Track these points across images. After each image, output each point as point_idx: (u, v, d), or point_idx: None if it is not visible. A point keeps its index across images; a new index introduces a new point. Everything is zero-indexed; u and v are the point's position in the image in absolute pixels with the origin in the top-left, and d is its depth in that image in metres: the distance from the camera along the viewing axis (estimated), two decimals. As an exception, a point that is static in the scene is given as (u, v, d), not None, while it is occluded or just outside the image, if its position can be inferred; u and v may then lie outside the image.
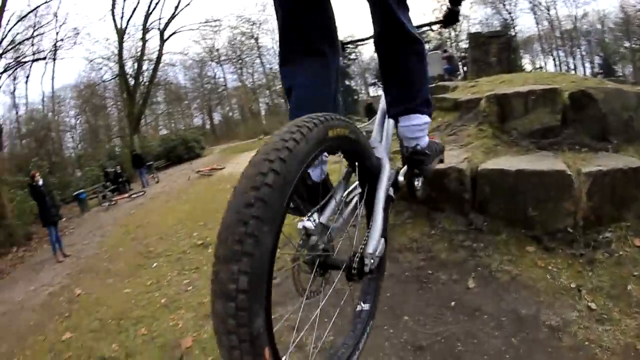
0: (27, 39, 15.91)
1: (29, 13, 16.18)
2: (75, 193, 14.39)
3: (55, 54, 18.90)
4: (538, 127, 2.47)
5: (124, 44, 21.17)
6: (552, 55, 32.91)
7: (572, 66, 31.66)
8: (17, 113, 23.20)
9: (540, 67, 32.45)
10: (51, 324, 4.40)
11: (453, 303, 1.84)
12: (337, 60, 1.24)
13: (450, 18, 1.64)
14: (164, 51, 22.32)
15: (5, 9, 13.72)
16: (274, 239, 0.58)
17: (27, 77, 22.15)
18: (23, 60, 16.13)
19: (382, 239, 0.99)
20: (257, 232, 0.55)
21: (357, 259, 0.87)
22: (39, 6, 16.42)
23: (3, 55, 14.23)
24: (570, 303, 1.71)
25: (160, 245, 6.10)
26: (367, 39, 1.83)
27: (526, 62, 31.74)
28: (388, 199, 1.12)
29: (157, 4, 22.08)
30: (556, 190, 1.96)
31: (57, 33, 19.79)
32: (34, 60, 17.06)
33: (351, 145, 0.90)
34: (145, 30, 21.50)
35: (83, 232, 10.20)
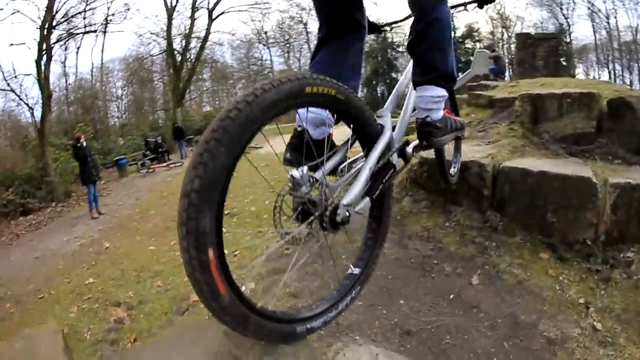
0: (79, 13, 16.86)
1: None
2: (115, 158, 15.22)
3: (105, 28, 19.72)
4: (571, 132, 2.37)
5: (173, 21, 21.69)
6: (607, 67, 30.51)
7: (628, 81, 29.10)
8: (66, 81, 24.50)
9: (594, 79, 30.19)
10: (77, 270, 4.81)
11: (452, 296, 1.81)
12: (357, 45, 1.33)
13: None
14: (212, 30, 22.71)
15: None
16: (229, 159, 0.71)
17: (78, 48, 23.20)
18: (75, 32, 17.13)
19: (367, 199, 1.06)
20: (214, 150, 0.70)
21: (331, 208, 0.92)
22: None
23: (56, 27, 15.22)
24: (575, 319, 1.63)
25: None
26: (403, 19, 1.81)
27: (579, 72, 29.74)
28: (388, 166, 1.19)
29: None
30: (579, 198, 1.86)
31: (108, 8, 20.83)
32: (85, 33, 18.03)
33: (340, 106, 0.98)
34: (194, 9, 21.94)
35: (119, 194, 10.84)
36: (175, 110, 20.38)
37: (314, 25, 35.93)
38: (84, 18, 17.18)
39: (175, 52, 22.18)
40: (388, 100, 1.43)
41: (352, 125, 1.09)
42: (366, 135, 1.12)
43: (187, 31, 22.00)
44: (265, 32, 35.47)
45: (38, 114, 14.80)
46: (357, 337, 1.58)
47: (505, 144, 2.47)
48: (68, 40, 17.16)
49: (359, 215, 1.03)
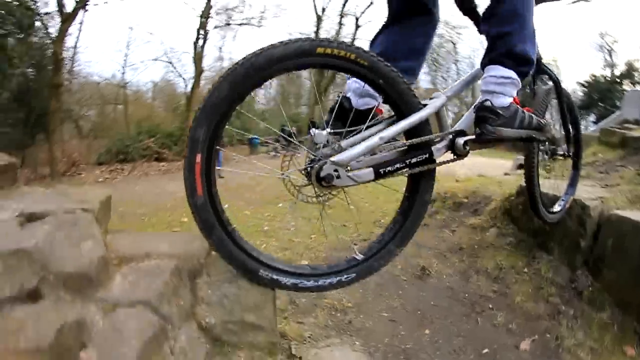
0: (236, 7, 19.47)
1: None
2: (250, 137, 17.15)
3: (259, 22, 21.65)
4: None
5: (322, 24, 22.92)
6: None
7: None
8: (221, 65, 28.59)
9: None
10: (179, 210, 5.96)
11: (486, 350, 1.54)
12: (421, 28, 1.30)
13: None
14: (357, 37, 23.19)
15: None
16: (229, 92, 0.91)
17: (234, 37, 26.71)
18: (230, 23, 19.71)
19: (370, 170, 1.05)
20: (219, 84, 0.91)
21: (320, 163, 0.98)
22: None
23: (212, 17, 17.86)
24: None
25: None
26: None
27: None
28: (420, 151, 1.11)
29: None
30: None
31: (264, 5, 23.10)
32: (239, 24, 20.55)
33: (363, 72, 0.99)
34: (342, 15, 22.68)
35: (243, 166, 12.37)
36: (314, 107, 21.79)
37: (462, 46, 34.14)
38: (241, 12, 19.66)
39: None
40: (455, 83, 1.32)
41: (383, 96, 1.08)
42: (398, 108, 1.08)
43: (335, 35, 23.15)
44: None
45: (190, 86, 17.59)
46: (356, 343, 1.50)
47: (625, 190, 2.08)
48: (223, 28, 19.82)
49: (358, 180, 1.03)
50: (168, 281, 0.88)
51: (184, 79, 19.88)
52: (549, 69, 1.61)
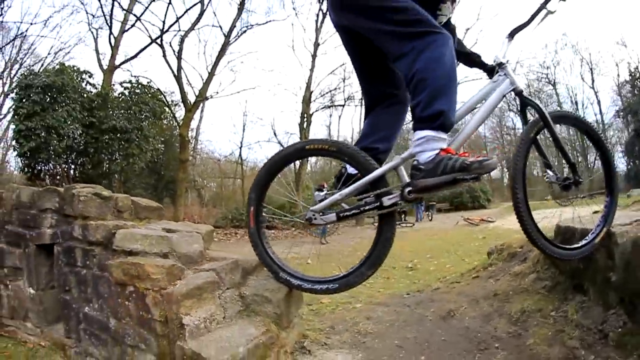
0: (334, 89, 21.46)
1: (337, 68, 21.43)
2: None
3: (360, 101, 22.90)
4: None
5: None
6: None
7: None
8: None
9: None
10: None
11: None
12: (390, 116, 1.82)
13: None
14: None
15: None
16: (264, 178, 1.75)
17: (339, 116, 29.37)
18: (330, 105, 21.83)
19: (333, 215, 1.65)
20: (259, 174, 1.79)
21: (309, 214, 1.68)
22: (344, 63, 21.17)
23: (314, 101, 20.12)
24: None
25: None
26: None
27: None
28: (370, 201, 1.61)
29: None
30: None
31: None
32: (337, 106, 22.46)
33: (334, 154, 1.68)
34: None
35: (347, 236, 13.15)
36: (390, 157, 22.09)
37: (562, 88, 31.11)
38: (343, 92, 21.70)
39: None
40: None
41: (350, 166, 1.71)
42: (360, 173, 1.62)
43: None
44: (514, 99, 33.36)
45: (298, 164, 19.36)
46: (359, 355, 1.98)
47: None
48: (325, 110, 22.11)
49: (325, 221, 1.67)
50: (228, 267, 1.73)
51: None
52: (533, 102, 1.75)
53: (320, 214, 1.67)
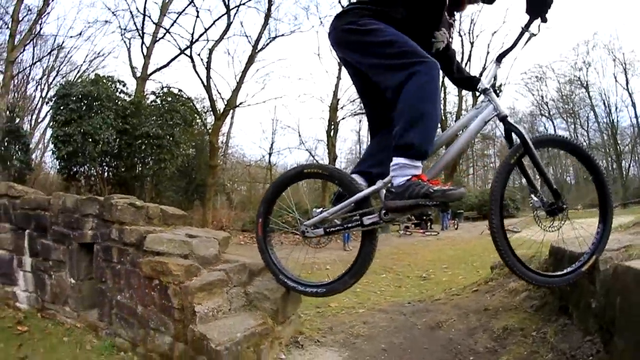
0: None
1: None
2: None
3: None
4: None
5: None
6: None
7: None
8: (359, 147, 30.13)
9: None
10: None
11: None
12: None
13: (534, 4, 1.70)
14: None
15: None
16: (271, 195, 2.13)
17: None
18: (356, 112, 21.71)
19: (321, 229, 1.97)
20: (266, 192, 2.20)
21: (302, 226, 2.01)
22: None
23: (342, 108, 20.28)
24: None
25: (400, 268, 7.73)
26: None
27: None
28: (353, 219, 1.89)
29: (467, 62, 22.15)
30: None
31: None
32: (362, 114, 22.71)
33: (326, 177, 2.02)
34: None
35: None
36: (445, 184, 21.90)
37: (595, 91, 29.80)
38: None
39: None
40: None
41: (338, 187, 2.01)
42: (348, 194, 1.89)
43: (456, 108, 23.29)
44: (546, 103, 31.82)
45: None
46: (346, 354, 2.18)
47: None
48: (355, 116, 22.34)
49: (315, 234, 1.98)
50: (236, 268, 2.12)
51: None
52: (515, 127, 1.77)
53: (312, 227, 1.99)
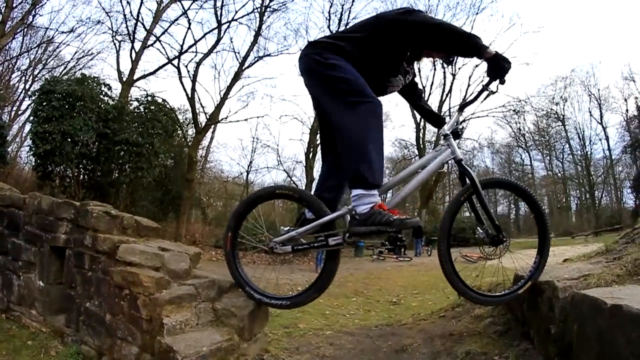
0: None
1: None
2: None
3: None
4: None
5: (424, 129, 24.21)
6: None
7: None
8: None
9: None
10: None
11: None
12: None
13: (494, 69, 1.92)
14: (466, 137, 23.19)
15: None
16: (241, 212, 2.23)
17: None
18: None
19: (289, 247, 2.09)
20: (236, 209, 2.31)
21: (270, 244, 2.11)
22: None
23: None
24: None
25: (371, 292, 7.80)
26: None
27: None
28: (319, 240, 2.03)
29: (448, 93, 23.55)
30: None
31: None
32: None
33: (295, 198, 2.17)
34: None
35: (344, 266, 13.38)
36: (421, 211, 22.42)
37: (570, 124, 31.83)
38: None
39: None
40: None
41: (305, 209, 2.17)
42: (316, 216, 2.04)
43: (435, 137, 23.96)
44: (523, 135, 33.49)
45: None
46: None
47: (630, 261, 1.94)
48: None
49: (283, 251, 2.09)
50: (205, 284, 2.17)
51: (296, 185, 23.46)
52: (467, 170, 2.04)
53: (281, 244, 2.10)
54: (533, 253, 2.19)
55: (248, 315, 2.12)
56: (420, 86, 2.47)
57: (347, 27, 2.24)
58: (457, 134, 2.16)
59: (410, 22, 1.94)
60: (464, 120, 2.28)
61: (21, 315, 2.92)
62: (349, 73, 1.92)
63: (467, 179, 2.05)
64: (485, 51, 1.89)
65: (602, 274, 1.90)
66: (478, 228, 2.14)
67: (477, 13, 22.37)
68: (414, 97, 2.46)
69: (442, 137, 2.15)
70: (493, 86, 2.04)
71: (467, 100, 2.24)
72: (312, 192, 2.24)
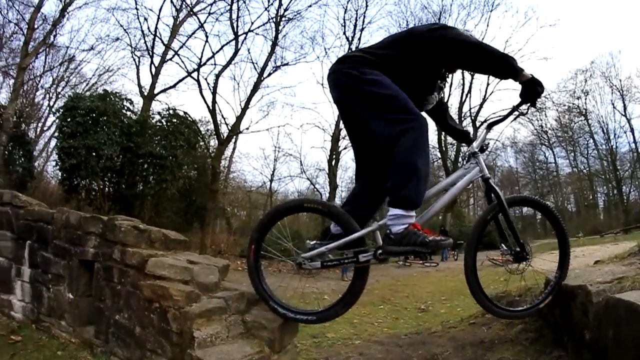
0: None
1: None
2: None
3: None
4: None
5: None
6: None
7: None
8: None
9: None
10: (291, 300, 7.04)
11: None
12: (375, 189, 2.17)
13: (528, 92, 1.89)
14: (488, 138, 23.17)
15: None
16: (267, 223, 2.16)
17: None
18: None
19: (318, 262, 2.05)
20: (261, 221, 2.26)
21: (297, 258, 2.07)
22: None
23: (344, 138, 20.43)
24: None
25: (399, 300, 7.69)
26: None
27: None
28: (347, 256, 2.00)
29: (467, 93, 23.31)
30: None
31: None
32: None
33: (323, 213, 2.14)
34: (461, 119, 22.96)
35: (372, 273, 13.24)
36: (445, 215, 22.03)
37: (593, 118, 30.50)
38: None
39: (448, 161, 24.20)
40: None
41: (333, 224, 2.12)
42: (345, 231, 2.01)
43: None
44: (546, 132, 32.43)
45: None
46: None
47: None
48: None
49: (312, 267, 2.04)
50: (235, 297, 2.17)
51: (320, 193, 23.45)
52: (494, 189, 2.06)
53: (309, 260, 2.06)
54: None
55: (278, 328, 2.10)
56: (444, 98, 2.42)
57: (376, 43, 2.13)
58: (483, 149, 2.18)
59: (444, 39, 1.90)
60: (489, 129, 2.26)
61: (51, 326, 2.99)
62: (392, 89, 1.89)
63: (493, 197, 2.05)
64: (521, 74, 1.86)
65: (637, 276, 1.85)
66: (502, 245, 2.17)
67: (491, 10, 22.09)
68: (440, 113, 2.40)
69: (471, 155, 2.15)
70: (523, 108, 2.04)
71: (496, 119, 2.28)
72: (342, 206, 2.19)
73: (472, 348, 2.56)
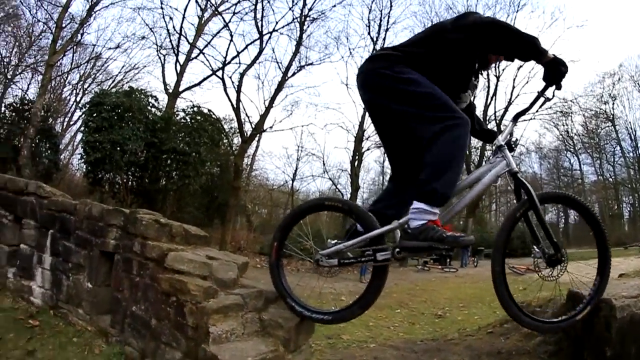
0: None
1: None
2: None
3: None
4: None
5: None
6: None
7: None
8: (382, 179, 29.62)
9: None
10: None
11: None
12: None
13: (552, 74, 1.81)
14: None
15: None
16: (288, 223, 2.16)
17: None
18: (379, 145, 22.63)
19: (335, 260, 2.00)
20: (284, 219, 2.23)
21: (316, 255, 2.05)
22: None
23: (367, 139, 20.50)
24: None
25: (416, 304, 7.61)
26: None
27: None
28: (366, 253, 1.93)
29: (492, 96, 22.45)
30: None
31: None
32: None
33: (345, 211, 2.11)
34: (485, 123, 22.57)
35: (388, 277, 13.14)
36: (467, 220, 21.64)
37: (621, 124, 28.96)
38: None
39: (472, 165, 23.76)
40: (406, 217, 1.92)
41: (353, 220, 2.08)
42: (364, 229, 1.96)
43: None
44: (572, 138, 31.21)
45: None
46: None
47: None
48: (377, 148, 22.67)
49: (329, 264, 2.00)
50: (253, 294, 2.17)
51: (341, 193, 23.40)
52: (524, 183, 1.92)
53: (327, 257, 2.02)
54: (585, 266, 2.08)
55: (294, 327, 2.09)
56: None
57: (404, 41, 2.06)
58: (511, 146, 2.05)
59: (471, 24, 1.85)
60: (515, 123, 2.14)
61: (68, 313, 3.06)
62: (429, 87, 1.84)
63: (523, 193, 1.92)
64: (545, 54, 1.79)
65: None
66: (534, 247, 1.99)
67: (517, 10, 21.28)
68: (470, 114, 2.23)
69: (497, 148, 2.03)
70: (549, 92, 1.93)
71: (522, 109, 2.10)
72: (372, 207, 2.13)
73: (488, 358, 2.52)
